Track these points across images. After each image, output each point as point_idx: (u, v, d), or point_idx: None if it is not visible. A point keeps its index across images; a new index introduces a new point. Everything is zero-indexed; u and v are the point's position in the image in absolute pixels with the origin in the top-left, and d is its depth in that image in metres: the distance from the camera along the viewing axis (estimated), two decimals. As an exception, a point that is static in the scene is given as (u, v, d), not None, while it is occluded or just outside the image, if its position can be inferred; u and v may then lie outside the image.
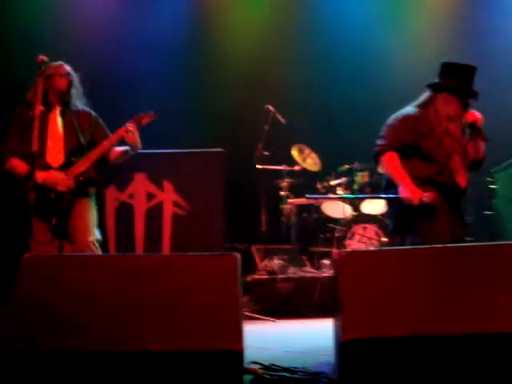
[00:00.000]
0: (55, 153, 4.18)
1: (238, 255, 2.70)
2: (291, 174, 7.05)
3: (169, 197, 6.30)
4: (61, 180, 4.09)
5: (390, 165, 3.93)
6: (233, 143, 6.85)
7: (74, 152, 4.22)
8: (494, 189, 6.71)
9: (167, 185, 6.32)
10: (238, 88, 7.57)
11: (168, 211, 6.29)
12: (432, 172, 3.90)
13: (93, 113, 4.44)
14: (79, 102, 4.39)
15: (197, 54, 7.70)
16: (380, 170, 6.63)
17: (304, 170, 7.03)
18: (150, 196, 6.30)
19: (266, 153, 6.80)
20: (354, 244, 6.54)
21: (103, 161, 4.35)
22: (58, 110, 4.29)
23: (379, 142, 3.98)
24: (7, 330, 2.51)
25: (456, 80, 3.91)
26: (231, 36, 7.85)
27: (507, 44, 7.42)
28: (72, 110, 4.32)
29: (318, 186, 7.08)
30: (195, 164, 6.39)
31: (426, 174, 3.89)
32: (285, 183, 6.97)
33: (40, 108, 3.84)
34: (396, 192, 3.89)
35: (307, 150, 7.05)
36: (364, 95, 7.31)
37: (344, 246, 6.48)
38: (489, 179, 6.76)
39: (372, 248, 6.33)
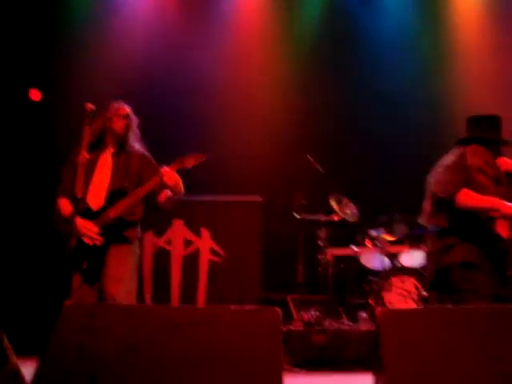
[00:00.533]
0: (97, 196, 4.12)
1: (279, 310, 2.67)
2: (329, 223, 7.01)
3: (206, 244, 6.33)
4: (88, 233, 3.97)
5: (471, 197, 3.79)
6: (271, 192, 6.87)
7: (116, 195, 4.11)
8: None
9: (204, 232, 6.35)
10: (277, 137, 7.61)
11: (204, 258, 6.31)
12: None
13: (146, 154, 4.34)
14: (136, 144, 4.33)
15: (239, 101, 7.78)
16: (420, 220, 6.54)
17: (342, 220, 6.99)
18: (188, 243, 6.33)
19: (304, 202, 6.77)
20: (392, 296, 6.42)
21: (154, 205, 4.23)
22: (111, 151, 4.28)
23: (446, 187, 3.87)
24: (46, 380, 2.50)
25: (481, 130, 4.00)
26: (272, 85, 7.92)
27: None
28: (126, 152, 4.26)
29: (356, 236, 7.03)
30: (233, 212, 6.43)
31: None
32: (322, 233, 6.92)
33: (85, 156, 3.85)
34: (444, 247, 3.86)
35: (345, 200, 7.02)
36: (405, 147, 7.29)
37: (381, 298, 6.36)
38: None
39: (410, 301, 6.22)
